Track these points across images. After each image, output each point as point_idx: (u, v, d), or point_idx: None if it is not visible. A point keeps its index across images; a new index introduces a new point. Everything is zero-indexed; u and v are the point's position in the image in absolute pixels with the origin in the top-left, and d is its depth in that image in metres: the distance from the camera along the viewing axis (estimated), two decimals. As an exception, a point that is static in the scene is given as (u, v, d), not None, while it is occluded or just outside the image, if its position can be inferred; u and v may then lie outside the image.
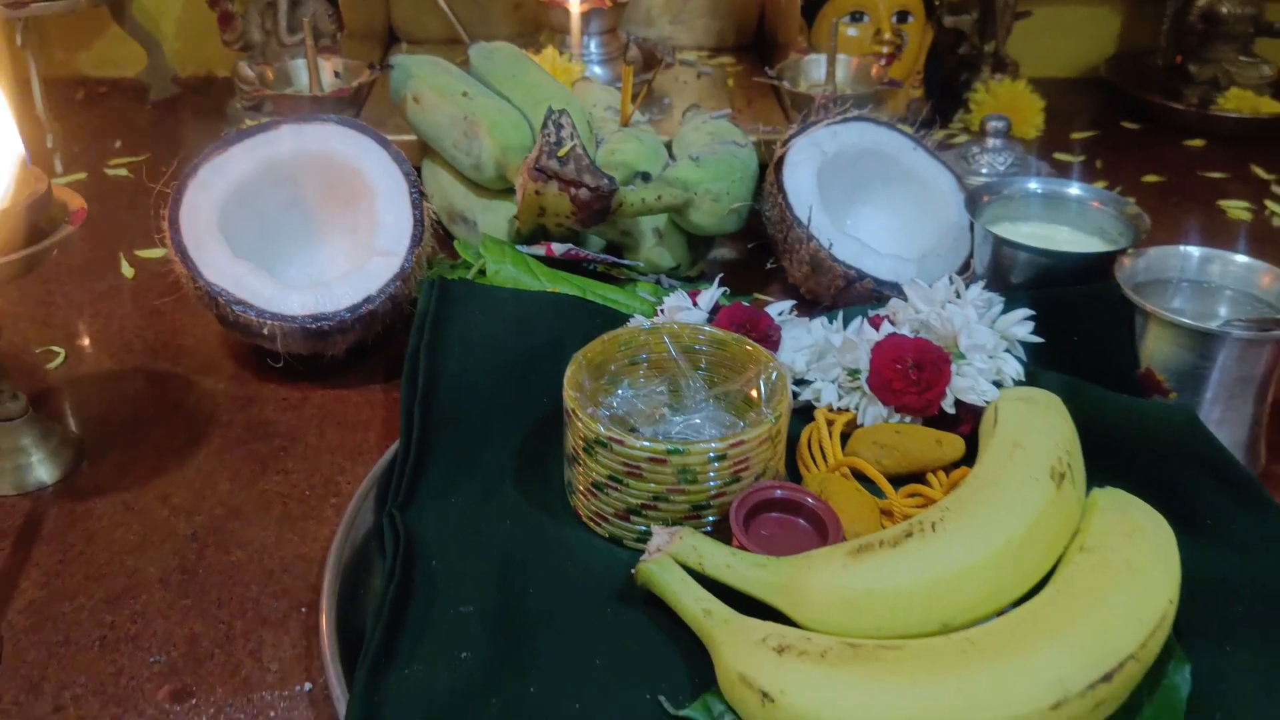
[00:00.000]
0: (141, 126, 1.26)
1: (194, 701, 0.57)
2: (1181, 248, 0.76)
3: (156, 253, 0.98)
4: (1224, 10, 1.29)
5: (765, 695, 0.52)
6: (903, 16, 1.18)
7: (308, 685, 0.58)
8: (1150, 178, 1.18)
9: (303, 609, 0.63)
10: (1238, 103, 1.29)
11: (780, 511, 0.65)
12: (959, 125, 1.26)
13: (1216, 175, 1.19)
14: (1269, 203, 1.12)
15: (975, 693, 0.51)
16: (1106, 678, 0.51)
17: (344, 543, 0.63)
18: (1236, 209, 1.11)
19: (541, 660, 0.57)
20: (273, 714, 0.57)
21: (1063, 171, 1.16)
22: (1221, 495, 0.63)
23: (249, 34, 1.19)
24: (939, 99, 1.28)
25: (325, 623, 0.58)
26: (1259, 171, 1.20)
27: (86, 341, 0.87)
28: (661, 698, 0.56)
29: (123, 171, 1.14)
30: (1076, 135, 1.29)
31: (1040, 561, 0.58)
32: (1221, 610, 0.59)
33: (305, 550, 0.67)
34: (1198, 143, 1.28)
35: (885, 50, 1.12)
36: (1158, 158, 1.24)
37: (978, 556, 0.57)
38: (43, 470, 0.72)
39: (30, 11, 1.10)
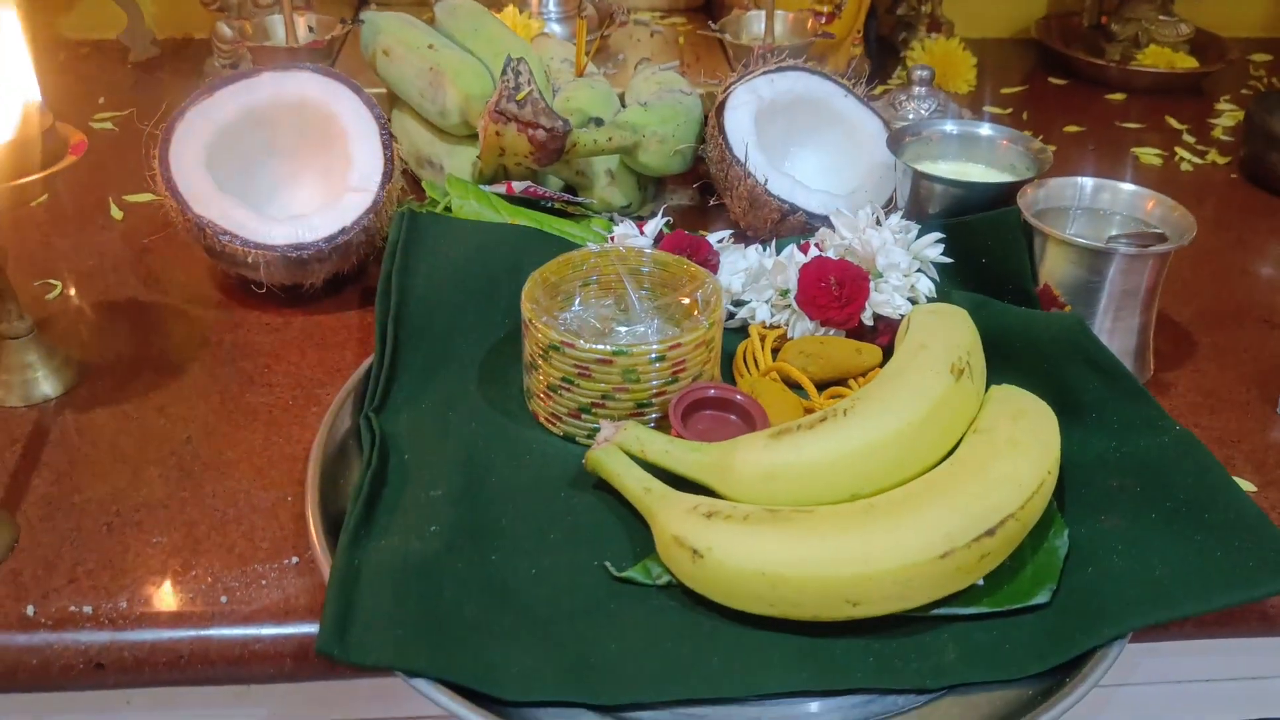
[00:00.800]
0: (123, 85, 1.32)
1: (194, 572, 0.65)
2: (1077, 178, 0.85)
3: (144, 197, 1.05)
4: (1144, -29, 1.38)
5: (695, 552, 0.60)
6: (842, -23, 1.26)
7: (294, 559, 0.66)
8: (1071, 128, 1.27)
9: (289, 498, 0.70)
10: (1155, 59, 1.38)
11: (714, 409, 0.73)
12: (897, 82, 1.34)
13: (1133, 125, 1.28)
14: (1179, 149, 1.21)
15: (874, 545, 0.59)
16: (990, 533, 0.60)
17: (325, 441, 0.71)
18: (1149, 155, 1.20)
19: (502, 533, 0.65)
20: (264, 581, 0.64)
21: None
22: (1102, 389, 0.72)
23: (225, -8, 1.25)
24: (878, 56, 1.36)
25: (310, 504, 0.65)
26: (1172, 122, 1.29)
27: (81, 275, 0.94)
28: (607, 563, 0.64)
29: (108, 125, 1.21)
30: (1006, 90, 1.37)
31: (939, 442, 0.66)
32: (1099, 486, 0.67)
33: (290, 450, 0.75)
34: (1118, 97, 1.36)
35: (825, 9, 1.20)
36: (1080, 110, 1.32)
37: (881, 435, 0.65)
38: (47, 385, 0.79)
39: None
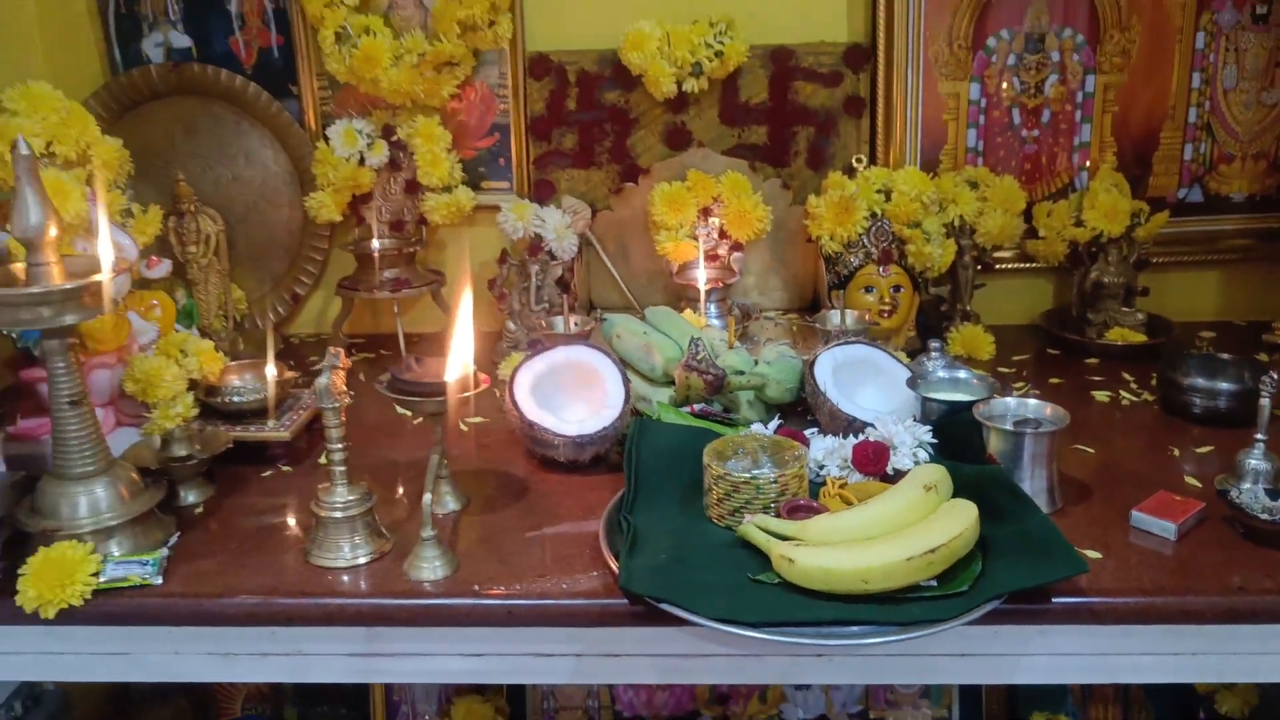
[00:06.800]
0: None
1: (523, 575, 1.34)
2: (1009, 399, 1.52)
3: (476, 419, 1.80)
4: (1106, 280, 2.07)
5: (790, 560, 1.26)
6: (897, 289, 1.99)
7: (595, 573, 1.33)
8: (1054, 380, 1.93)
9: (586, 550, 1.39)
10: (1117, 336, 2.05)
11: (803, 511, 1.40)
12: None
13: (1096, 378, 1.94)
14: (1123, 391, 1.86)
15: (873, 555, 1.24)
16: (932, 550, 1.24)
17: (605, 526, 1.40)
18: (1101, 395, 1.85)
19: (696, 562, 1.32)
20: (578, 579, 1.32)
21: (1003, 380, 1.91)
22: (1010, 502, 1.36)
23: (512, 304, 2.04)
24: (925, 338, 2.06)
25: (603, 545, 1.34)
26: (1125, 376, 1.94)
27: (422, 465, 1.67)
28: (749, 574, 1.30)
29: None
30: (1016, 357, 2.05)
31: (910, 522, 1.32)
32: (1000, 545, 1.31)
33: (581, 537, 1.43)
34: (1093, 361, 2.03)
35: (884, 308, 1.93)
36: (1064, 369, 1.99)
37: (880, 514, 1.31)
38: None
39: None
